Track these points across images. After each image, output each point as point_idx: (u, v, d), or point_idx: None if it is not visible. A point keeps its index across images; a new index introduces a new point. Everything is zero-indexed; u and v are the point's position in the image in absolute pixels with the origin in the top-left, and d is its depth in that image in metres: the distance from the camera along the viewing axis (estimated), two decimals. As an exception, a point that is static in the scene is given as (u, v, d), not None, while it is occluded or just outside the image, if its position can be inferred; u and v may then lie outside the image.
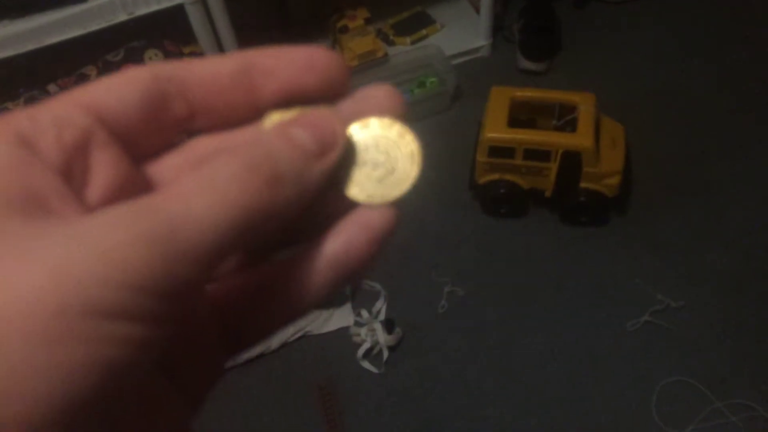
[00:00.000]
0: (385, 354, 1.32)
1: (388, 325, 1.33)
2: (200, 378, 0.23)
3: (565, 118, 1.39)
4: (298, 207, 0.20)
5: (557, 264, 1.44)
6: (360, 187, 0.23)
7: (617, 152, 1.39)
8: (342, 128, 0.22)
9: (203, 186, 0.18)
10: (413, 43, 1.79)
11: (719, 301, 1.36)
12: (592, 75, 1.73)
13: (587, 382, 1.29)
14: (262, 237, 0.20)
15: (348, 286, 1.36)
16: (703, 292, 1.37)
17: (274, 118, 0.23)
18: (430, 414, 1.28)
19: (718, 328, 1.33)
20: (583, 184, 1.39)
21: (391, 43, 1.79)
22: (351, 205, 0.23)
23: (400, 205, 0.23)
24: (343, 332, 1.36)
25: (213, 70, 0.23)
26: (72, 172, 0.20)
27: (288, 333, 1.34)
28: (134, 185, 0.21)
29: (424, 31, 1.80)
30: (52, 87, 1.59)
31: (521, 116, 1.42)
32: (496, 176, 1.42)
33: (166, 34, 1.60)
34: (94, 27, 1.39)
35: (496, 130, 1.36)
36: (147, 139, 0.22)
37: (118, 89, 0.21)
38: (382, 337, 1.32)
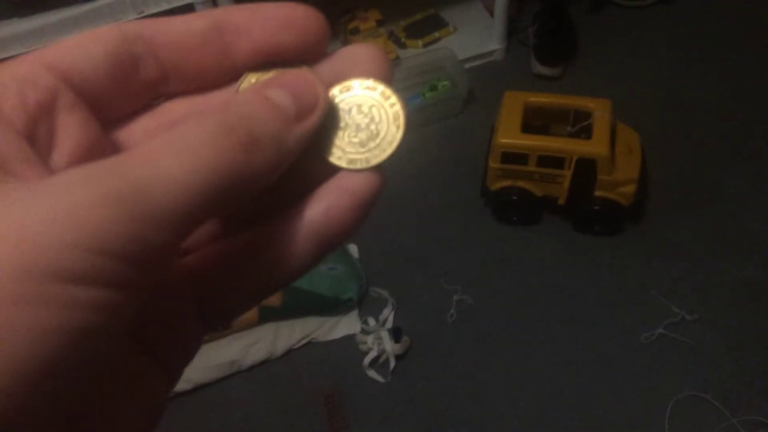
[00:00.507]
0: (392, 363, 1.30)
1: (396, 334, 1.31)
2: (175, 350, 0.22)
3: (579, 124, 1.37)
4: (276, 172, 0.20)
5: (570, 273, 1.42)
6: (341, 151, 0.22)
7: (633, 160, 1.37)
8: (323, 89, 0.21)
9: (174, 147, 0.17)
10: (425, 45, 1.76)
11: (736, 313, 1.33)
12: (607, 80, 1.70)
13: (599, 395, 1.27)
14: (237, 204, 0.19)
15: (356, 294, 1.34)
16: (720, 304, 1.35)
17: (250, 80, 0.22)
18: (437, 426, 1.26)
19: (734, 341, 1.30)
20: (597, 192, 1.37)
21: (402, 46, 1.76)
22: (332, 171, 0.22)
23: (384, 170, 0.22)
24: (349, 340, 1.34)
25: (183, 28, 0.21)
26: (36, 135, 0.19)
27: (293, 339, 1.32)
28: (103, 150, 0.21)
29: (436, 34, 1.78)
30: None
31: (535, 122, 1.40)
32: (508, 183, 1.40)
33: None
34: (103, 25, 1.38)
35: (510, 136, 1.34)
36: (117, 101, 0.21)
37: (85, 48, 0.20)
38: (390, 346, 1.30)
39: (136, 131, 0.22)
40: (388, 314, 1.36)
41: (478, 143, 1.49)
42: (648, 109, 1.61)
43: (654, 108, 1.63)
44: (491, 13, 1.75)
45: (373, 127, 0.22)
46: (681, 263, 1.41)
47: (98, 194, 0.16)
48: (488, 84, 1.68)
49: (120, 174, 0.16)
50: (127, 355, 0.20)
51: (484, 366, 1.32)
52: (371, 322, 1.35)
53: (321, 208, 0.21)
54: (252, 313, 1.28)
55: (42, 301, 0.15)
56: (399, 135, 0.22)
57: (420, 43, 1.76)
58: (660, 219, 1.47)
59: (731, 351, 1.29)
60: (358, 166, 0.22)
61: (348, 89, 0.22)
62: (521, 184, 1.40)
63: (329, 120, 0.22)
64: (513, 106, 1.38)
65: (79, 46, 0.20)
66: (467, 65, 1.72)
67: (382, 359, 1.31)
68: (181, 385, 1.23)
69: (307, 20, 0.22)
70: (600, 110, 1.35)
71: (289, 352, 1.33)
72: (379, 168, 0.22)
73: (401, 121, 0.22)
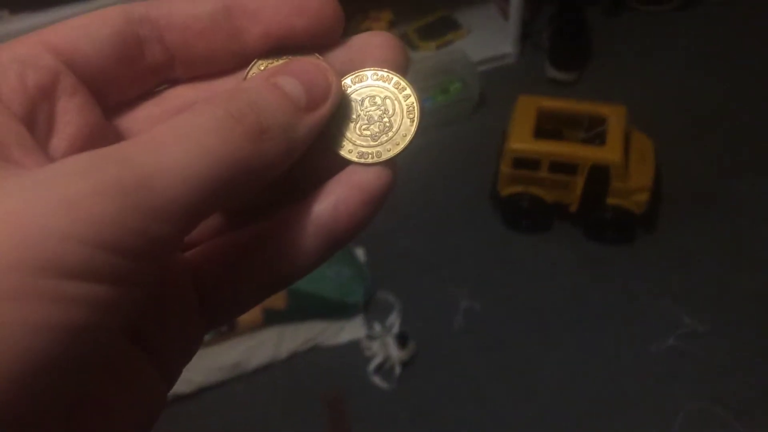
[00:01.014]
0: (398, 369, 1.28)
1: (402, 340, 1.29)
2: (175, 349, 0.21)
3: (593, 130, 1.35)
4: (284, 164, 0.19)
5: (580, 281, 1.40)
6: (352, 144, 0.21)
7: (646, 167, 1.35)
8: (336, 79, 0.20)
9: (179, 134, 0.17)
10: (438, 47, 1.75)
11: (749, 324, 1.31)
12: (622, 86, 1.68)
13: (607, 406, 1.25)
14: (243, 196, 0.18)
15: (362, 298, 1.32)
16: (732, 315, 1.33)
17: (260, 67, 0.21)
18: (441, 434, 1.24)
19: (747, 354, 1.28)
20: (610, 200, 1.35)
21: (415, 48, 1.75)
22: (342, 164, 0.21)
23: (396, 165, 0.21)
24: (354, 345, 1.33)
25: (190, 11, 0.20)
26: (36, 119, 0.18)
27: (297, 343, 1.31)
28: (104, 137, 0.20)
29: (449, 36, 1.76)
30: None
31: (548, 127, 1.38)
32: (519, 188, 1.38)
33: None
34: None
35: (522, 141, 1.33)
36: (120, 86, 0.21)
37: (88, 29, 0.19)
38: (395, 352, 1.28)
39: (140, 118, 0.22)
40: (394, 320, 1.34)
41: (489, 147, 1.47)
42: (663, 116, 1.59)
43: (669, 115, 1.61)
44: (505, 16, 1.73)
45: (386, 119, 0.21)
46: (693, 273, 1.39)
47: (98, 184, 0.15)
48: (501, 88, 1.66)
49: (121, 163, 0.15)
50: (124, 351, 0.19)
51: (490, 374, 1.30)
52: (377, 327, 1.33)
53: (329, 203, 0.20)
54: (256, 316, 1.26)
55: (36, 296, 0.14)
56: (413, 129, 0.21)
57: (433, 44, 1.74)
58: (673, 228, 1.45)
59: (743, 363, 1.27)
60: (369, 160, 0.21)
61: (361, 79, 0.22)
62: (532, 190, 1.38)
63: (341, 111, 0.21)
64: (526, 110, 1.37)
65: (83, 27, 0.20)
66: (480, 68, 1.70)
67: (387, 365, 1.29)
68: (183, 387, 1.22)
69: (321, 5, 0.21)
70: (614, 116, 1.34)
71: (293, 356, 1.32)
72: (390, 163, 0.21)
73: (416, 114, 0.21)
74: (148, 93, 0.22)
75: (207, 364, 1.26)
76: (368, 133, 0.21)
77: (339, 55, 0.22)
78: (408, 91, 0.21)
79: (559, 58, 1.68)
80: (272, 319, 1.28)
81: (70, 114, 0.19)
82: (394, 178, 0.21)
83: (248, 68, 0.22)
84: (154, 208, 0.15)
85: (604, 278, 1.40)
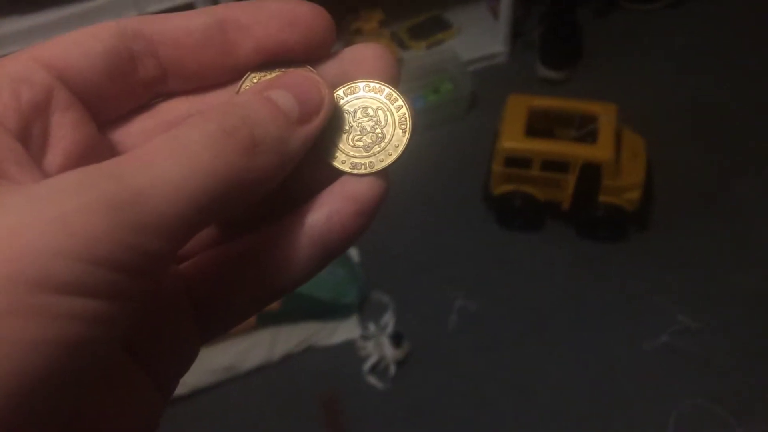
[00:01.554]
0: (392, 369, 1.28)
1: (396, 339, 1.29)
2: (171, 361, 0.21)
3: (585, 128, 1.35)
4: (277, 177, 0.19)
5: (573, 279, 1.40)
6: (345, 155, 0.21)
7: (638, 165, 1.35)
8: (328, 91, 0.20)
9: (172, 149, 0.17)
10: (429, 47, 1.75)
11: (741, 322, 1.31)
12: (613, 85, 1.68)
13: (602, 403, 1.25)
14: (237, 209, 0.18)
15: (356, 299, 1.32)
16: (726, 313, 1.33)
17: (252, 80, 0.22)
18: (437, 433, 1.24)
19: (740, 350, 1.28)
20: (601, 198, 1.35)
21: (405, 47, 1.75)
22: (335, 175, 0.21)
23: (389, 175, 0.21)
24: (348, 345, 1.32)
25: (183, 25, 0.21)
26: (30, 135, 0.18)
27: (292, 344, 1.30)
28: (99, 151, 0.20)
29: (440, 36, 1.76)
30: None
31: (539, 126, 1.38)
32: (511, 187, 1.38)
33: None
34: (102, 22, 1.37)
35: (513, 140, 1.33)
36: (114, 101, 0.21)
37: (82, 45, 0.19)
38: (390, 352, 1.28)
39: (134, 132, 0.22)
40: (388, 319, 1.34)
41: (481, 147, 1.47)
42: (654, 114, 1.59)
43: (660, 113, 1.62)
44: (496, 15, 1.73)
45: (378, 130, 0.22)
46: (686, 271, 1.39)
47: (92, 200, 0.15)
48: (492, 87, 1.66)
49: (115, 179, 0.16)
50: (120, 365, 0.19)
51: (485, 373, 1.30)
52: (371, 327, 1.33)
53: (323, 214, 0.20)
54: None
55: (31, 312, 0.14)
56: (405, 139, 0.22)
57: (423, 44, 1.74)
58: (665, 226, 1.45)
59: (737, 360, 1.28)
60: (362, 170, 0.21)
61: (353, 91, 0.22)
62: (525, 188, 1.38)
63: (333, 122, 0.21)
64: (517, 109, 1.37)
65: (76, 43, 0.20)
66: (471, 67, 1.71)
67: (381, 365, 1.29)
68: (177, 389, 1.21)
69: (312, 18, 0.21)
70: (605, 115, 1.34)
71: (287, 357, 1.31)
72: (383, 173, 0.21)
73: (408, 124, 0.22)
74: (141, 106, 0.22)
75: (200, 366, 1.25)
76: (361, 144, 0.21)
77: (331, 67, 0.22)
78: (400, 102, 0.22)
79: (550, 56, 1.69)
80: (266, 320, 1.28)
81: (65, 129, 0.19)
82: (387, 188, 0.21)
83: (241, 81, 0.22)
84: (148, 224, 0.15)
85: (597, 276, 1.40)
